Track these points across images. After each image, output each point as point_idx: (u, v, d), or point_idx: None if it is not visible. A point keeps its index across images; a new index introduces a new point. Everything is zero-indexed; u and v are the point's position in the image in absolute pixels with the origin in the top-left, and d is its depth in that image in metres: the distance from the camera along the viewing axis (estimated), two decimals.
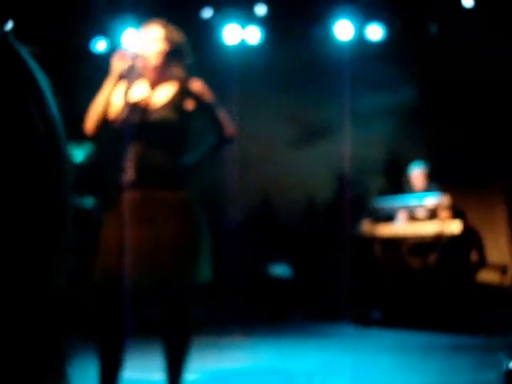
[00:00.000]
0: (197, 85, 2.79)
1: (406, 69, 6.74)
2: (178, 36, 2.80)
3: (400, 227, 6.07)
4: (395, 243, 6.05)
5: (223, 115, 2.87)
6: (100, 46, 6.81)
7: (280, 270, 6.63)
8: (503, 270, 6.14)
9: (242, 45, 6.92)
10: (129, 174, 2.66)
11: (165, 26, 2.79)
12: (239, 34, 6.86)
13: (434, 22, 6.56)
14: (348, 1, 6.52)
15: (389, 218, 6.16)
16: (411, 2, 6.50)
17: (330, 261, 6.64)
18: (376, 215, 6.25)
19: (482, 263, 6.10)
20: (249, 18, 6.75)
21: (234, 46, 6.90)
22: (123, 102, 2.70)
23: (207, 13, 6.68)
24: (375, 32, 6.83)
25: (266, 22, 6.85)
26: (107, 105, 2.69)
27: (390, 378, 3.86)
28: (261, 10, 6.70)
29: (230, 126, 2.88)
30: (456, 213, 5.93)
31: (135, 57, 2.69)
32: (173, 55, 2.76)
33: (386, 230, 6.15)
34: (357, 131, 6.97)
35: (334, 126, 7.13)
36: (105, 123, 2.70)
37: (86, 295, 2.41)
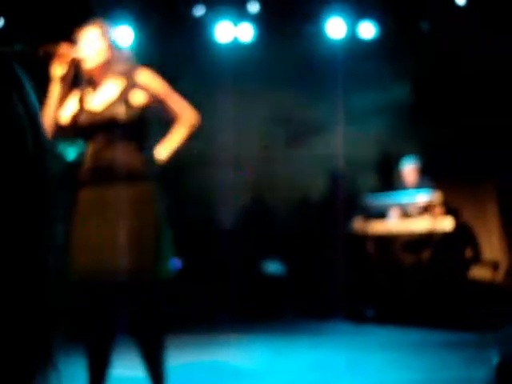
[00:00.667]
0: (144, 75, 2.77)
1: (398, 66, 6.76)
2: (114, 31, 2.84)
3: (392, 224, 6.08)
4: (388, 240, 6.07)
5: (180, 102, 2.81)
6: None
7: (273, 267, 6.64)
8: (495, 266, 6.18)
9: (235, 42, 6.91)
10: (84, 172, 2.69)
11: (99, 25, 2.79)
12: (232, 32, 6.85)
13: (426, 20, 6.58)
14: None
15: (381, 215, 6.18)
16: (403, 0, 6.51)
17: (322, 258, 6.65)
18: (368, 212, 6.26)
19: (477, 260, 6.12)
20: (241, 15, 6.74)
21: (226, 44, 6.90)
22: (71, 105, 2.74)
23: (199, 10, 6.67)
24: (367, 30, 6.84)
25: (258, 20, 6.85)
26: (55, 110, 2.70)
27: (384, 374, 3.88)
28: (253, 7, 6.69)
29: (188, 113, 2.82)
30: (448, 210, 5.95)
31: (78, 60, 2.70)
32: (113, 50, 2.78)
33: (378, 227, 6.16)
34: (349, 129, 6.99)
35: (327, 123, 7.14)
36: (59, 127, 2.72)
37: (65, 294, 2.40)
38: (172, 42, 6.53)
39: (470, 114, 6.44)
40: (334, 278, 6.25)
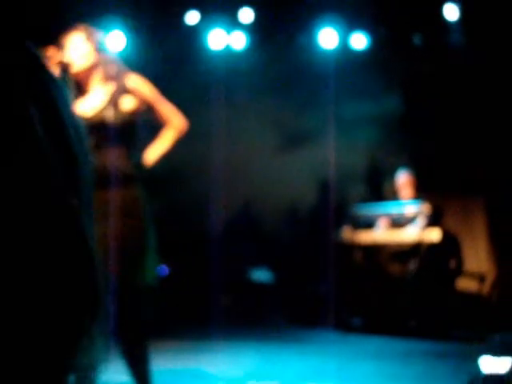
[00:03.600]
0: (133, 80, 2.78)
1: (390, 78, 6.81)
2: (100, 35, 2.84)
3: (380, 234, 6.11)
4: (375, 250, 6.10)
5: (168, 108, 2.83)
6: None
7: (261, 275, 6.64)
8: (481, 278, 6.22)
9: (227, 50, 6.93)
10: None
11: (83, 29, 2.80)
12: (224, 40, 6.88)
13: (418, 33, 6.65)
14: (333, 9, 6.58)
15: (369, 225, 6.21)
16: (395, 12, 6.57)
17: (311, 267, 6.67)
18: (357, 222, 6.29)
19: (459, 271, 6.16)
20: (234, 23, 6.77)
21: (218, 52, 6.92)
22: None
23: (192, 18, 6.69)
24: (359, 41, 6.89)
25: (251, 28, 6.88)
26: None
27: (372, 383, 3.89)
28: (246, 15, 6.73)
29: (176, 119, 2.83)
30: (436, 220, 5.99)
31: (65, 65, 2.70)
32: (100, 53, 2.79)
33: (366, 236, 6.19)
34: (339, 138, 7.02)
35: (317, 132, 7.17)
36: None
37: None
38: (164, 48, 6.54)
39: (458, 126, 6.50)
40: (322, 287, 6.26)
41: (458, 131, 6.47)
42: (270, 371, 4.25)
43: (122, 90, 2.73)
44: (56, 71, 2.67)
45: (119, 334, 2.66)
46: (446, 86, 6.57)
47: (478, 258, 6.49)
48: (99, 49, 2.80)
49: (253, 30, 6.90)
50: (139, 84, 2.79)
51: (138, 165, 2.75)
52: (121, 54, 5.40)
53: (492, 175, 6.40)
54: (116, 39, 6.28)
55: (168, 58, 6.39)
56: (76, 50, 2.74)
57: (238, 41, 6.92)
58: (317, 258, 6.54)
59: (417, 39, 6.69)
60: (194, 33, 6.85)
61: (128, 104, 2.73)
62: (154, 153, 2.80)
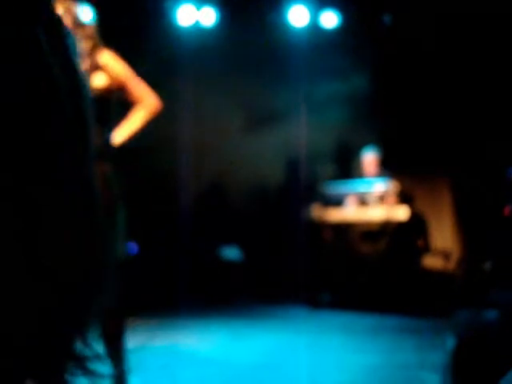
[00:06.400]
0: (106, 57, 2.73)
1: (359, 57, 6.82)
2: (78, 7, 2.78)
3: (349, 212, 6.17)
4: (344, 228, 6.16)
5: (141, 88, 2.79)
6: None
7: (231, 253, 6.65)
8: (447, 255, 6.34)
9: (196, 26, 6.85)
10: None
11: (63, 1, 2.74)
12: (193, 16, 6.79)
13: (389, 12, 6.66)
14: None
15: (338, 203, 6.26)
16: None
17: (280, 245, 6.70)
18: (326, 200, 6.34)
19: (427, 249, 6.27)
20: None
21: (187, 28, 6.83)
22: None
23: None
24: (329, 19, 6.88)
25: (220, 4, 6.80)
26: None
27: (341, 357, 3.94)
28: None
29: (149, 99, 2.79)
30: (403, 199, 6.08)
31: None
32: (78, 26, 2.73)
33: (335, 214, 6.24)
34: (309, 117, 7.02)
35: (287, 111, 7.16)
36: None
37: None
38: (132, 23, 6.41)
39: (426, 106, 6.56)
40: (291, 264, 6.30)
41: (426, 111, 6.54)
42: (239, 347, 4.28)
43: (95, 67, 2.67)
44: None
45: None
46: (414, 67, 6.62)
47: (443, 236, 6.61)
48: (77, 22, 2.72)
49: (222, 6, 6.83)
50: (113, 61, 2.72)
51: (108, 142, 2.71)
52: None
53: (457, 155, 6.50)
54: (84, 11, 6.13)
55: (136, 32, 6.27)
56: None
57: (208, 17, 6.84)
58: (286, 235, 6.58)
59: (387, 19, 6.71)
60: (163, 8, 6.75)
61: (100, 81, 2.67)
62: (123, 132, 2.77)
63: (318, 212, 6.34)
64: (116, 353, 2.67)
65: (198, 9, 6.77)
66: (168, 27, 6.76)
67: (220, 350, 4.16)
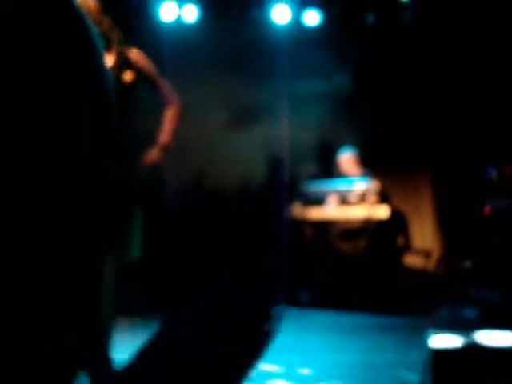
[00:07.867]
0: (134, 55, 2.75)
1: (341, 55, 6.82)
2: (93, 4, 2.77)
3: (330, 211, 6.18)
4: (325, 226, 6.16)
5: (164, 86, 2.86)
6: None
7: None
8: (427, 254, 6.37)
9: (178, 23, 6.81)
10: None
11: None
12: (176, 12, 6.74)
13: (371, 11, 6.67)
14: None
15: (319, 201, 6.26)
16: None
17: (261, 242, 6.68)
18: (307, 199, 6.34)
19: (407, 248, 6.31)
20: None
21: (170, 24, 6.78)
22: None
23: None
24: (312, 17, 6.87)
25: (203, 1, 6.76)
26: None
27: (322, 356, 3.93)
28: None
29: (175, 97, 2.88)
30: (384, 198, 6.10)
31: None
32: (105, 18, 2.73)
33: (316, 213, 6.24)
34: (290, 115, 7.02)
35: (269, 108, 7.14)
36: None
37: None
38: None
39: (407, 105, 6.58)
40: (272, 263, 6.29)
41: (407, 110, 6.57)
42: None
43: (122, 64, 2.69)
44: None
45: None
46: (396, 66, 6.64)
47: (423, 235, 6.64)
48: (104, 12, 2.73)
49: (205, 2, 6.79)
50: (139, 58, 2.75)
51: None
52: None
53: (438, 154, 6.53)
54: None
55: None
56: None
57: (190, 13, 6.80)
58: (267, 233, 6.56)
59: (369, 18, 6.72)
60: (145, 4, 6.69)
61: (125, 77, 2.69)
62: (166, 133, 2.89)
63: (298, 210, 6.34)
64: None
65: (180, 5, 6.73)
66: (150, 23, 6.70)
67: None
